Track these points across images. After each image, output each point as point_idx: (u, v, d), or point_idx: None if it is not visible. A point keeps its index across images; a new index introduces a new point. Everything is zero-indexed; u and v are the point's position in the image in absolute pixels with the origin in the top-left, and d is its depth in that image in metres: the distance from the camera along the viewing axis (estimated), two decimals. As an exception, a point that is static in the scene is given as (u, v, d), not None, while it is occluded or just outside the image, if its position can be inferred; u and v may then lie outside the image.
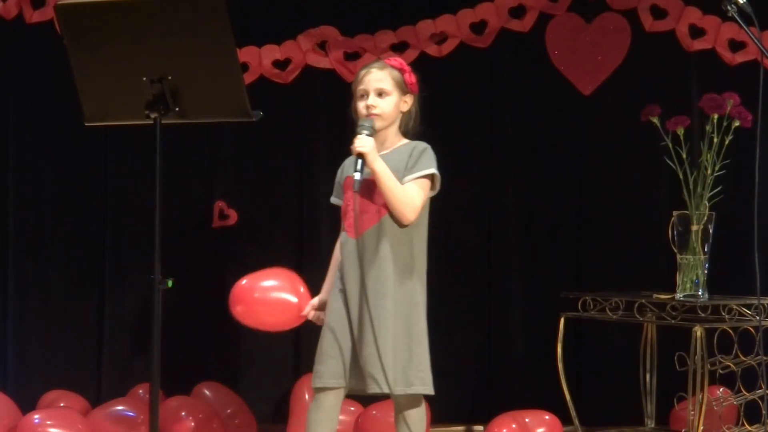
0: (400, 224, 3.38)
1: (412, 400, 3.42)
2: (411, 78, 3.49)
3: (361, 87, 3.43)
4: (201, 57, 3.01)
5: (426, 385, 3.39)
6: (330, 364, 3.38)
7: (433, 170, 3.45)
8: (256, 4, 4.61)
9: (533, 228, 4.74)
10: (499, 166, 4.76)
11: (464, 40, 4.65)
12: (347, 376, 3.36)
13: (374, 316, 3.31)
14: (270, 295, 3.55)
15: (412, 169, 3.40)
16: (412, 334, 3.37)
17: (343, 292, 3.40)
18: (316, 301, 3.52)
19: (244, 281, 3.57)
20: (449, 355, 4.70)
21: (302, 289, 3.54)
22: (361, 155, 3.30)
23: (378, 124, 3.41)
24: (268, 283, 3.57)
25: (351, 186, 3.33)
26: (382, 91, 3.43)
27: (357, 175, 3.27)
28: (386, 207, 3.37)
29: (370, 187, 3.37)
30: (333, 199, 3.58)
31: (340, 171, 3.55)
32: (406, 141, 3.49)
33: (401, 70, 3.48)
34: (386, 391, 3.32)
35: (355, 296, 3.36)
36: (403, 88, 3.47)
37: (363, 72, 3.46)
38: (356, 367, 3.36)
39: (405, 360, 3.35)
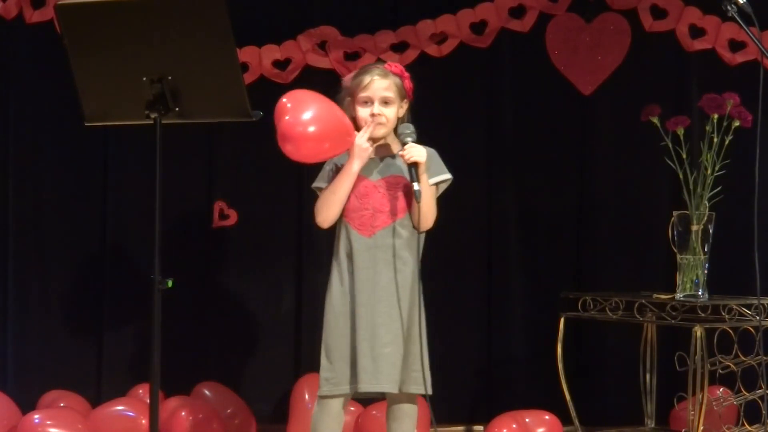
0: (420, 230, 3.44)
1: (411, 400, 3.47)
2: (409, 84, 3.53)
3: (366, 94, 3.45)
4: (201, 57, 3.01)
5: (429, 386, 3.45)
6: (342, 370, 3.39)
7: (450, 176, 3.52)
8: (256, 4, 4.61)
9: (533, 228, 4.74)
10: (499, 166, 4.75)
11: (464, 40, 4.65)
12: (356, 379, 3.37)
13: (389, 315, 3.34)
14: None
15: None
16: (421, 336, 3.41)
17: (349, 291, 3.40)
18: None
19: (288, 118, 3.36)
20: (449, 355, 4.70)
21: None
22: (416, 164, 3.34)
23: (381, 132, 3.47)
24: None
25: (359, 184, 3.39)
26: (387, 100, 3.45)
27: (416, 185, 3.33)
28: (403, 210, 3.43)
29: (387, 188, 3.42)
30: (321, 184, 3.53)
31: (331, 164, 3.52)
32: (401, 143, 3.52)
33: (402, 77, 3.50)
34: (394, 391, 3.37)
35: (366, 295, 3.38)
36: (403, 95, 3.50)
37: (366, 78, 3.46)
38: (358, 368, 3.36)
39: (411, 361, 3.39)
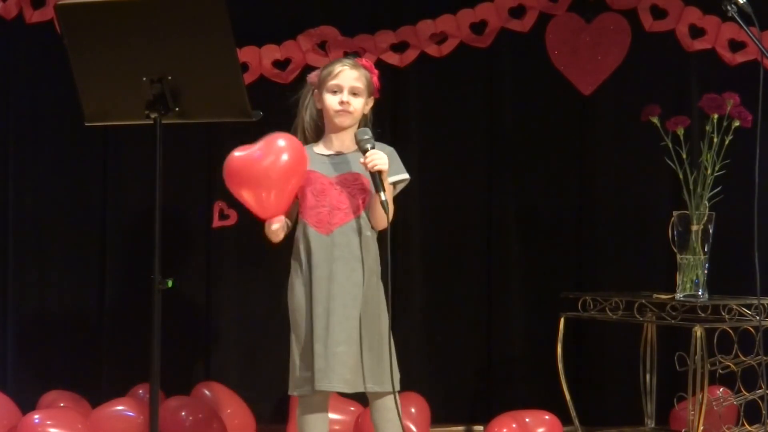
0: (377, 228, 3.44)
1: (382, 395, 3.44)
2: (377, 82, 3.54)
3: (335, 82, 3.46)
4: (201, 57, 3.01)
5: (397, 383, 3.41)
6: (303, 370, 3.40)
7: (407, 176, 3.50)
8: (256, 4, 4.61)
9: (533, 228, 4.74)
10: (499, 166, 4.75)
11: (464, 40, 4.65)
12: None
13: (344, 314, 3.34)
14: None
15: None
16: (382, 334, 3.40)
17: (306, 286, 3.40)
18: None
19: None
20: (449, 355, 4.70)
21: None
22: (380, 172, 3.32)
23: (346, 122, 3.46)
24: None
25: (317, 181, 3.40)
26: (356, 91, 3.46)
27: (382, 195, 3.30)
28: (361, 208, 3.42)
29: (344, 185, 3.42)
30: None
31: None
32: None
33: (371, 72, 3.51)
34: (352, 390, 3.37)
35: (322, 293, 3.37)
36: (371, 91, 3.51)
37: (337, 67, 3.47)
38: (314, 367, 3.36)
39: (377, 359, 3.38)
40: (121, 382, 4.56)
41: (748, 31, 3.22)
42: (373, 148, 3.35)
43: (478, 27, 4.66)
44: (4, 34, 4.66)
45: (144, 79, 3.03)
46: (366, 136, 3.36)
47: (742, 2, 3.18)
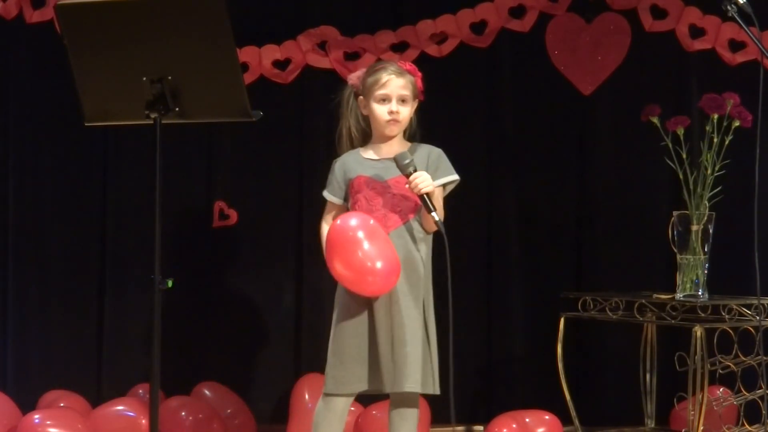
0: (429, 231, 3.47)
1: (413, 403, 3.48)
2: (421, 84, 3.54)
3: (384, 91, 3.45)
4: (201, 57, 3.00)
5: (437, 386, 3.48)
6: (353, 370, 3.38)
7: (456, 176, 3.53)
8: (256, 4, 4.61)
9: (533, 228, 4.74)
10: (499, 166, 4.75)
11: (464, 40, 4.65)
12: (367, 379, 3.38)
13: (408, 315, 3.37)
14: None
15: (433, 176, 3.42)
16: (429, 335, 3.45)
17: None
18: None
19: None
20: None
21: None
22: (428, 194, 3.34)
23: (395, 130, 3.47)
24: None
25: (364, 186, 3.42)
26: (404, 98, 3.47)
27: (435, 216, 3.33)
28: (414, 211, 3.44)
29: (397, 189, 3.44)
30: (330, 196, 3.57)
31: (340, 168, 3.55)
32: (410, 144, 3.53)
33: (415, 76, 3.51)
34: (419, 390, 3.39)
35: (382, 296, 3.37)
36: (416, 94, 3.51)
37: (384, 76, 3.46)
38: (377, 368, 3.36)
39: (426, 360, 3.42)
40: (121, 382, 4.56)
41: (748, 31, 3.22)
42: (415, 170, 3.35)
43: (478, 27, 4.66)
44: (4, 34, 4.66)
45: (144, 79, 3.03)
46: (406, 161, 3.36)
47: (742, 2, 3.18)
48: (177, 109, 3.06)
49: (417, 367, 3.37)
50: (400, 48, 4.65)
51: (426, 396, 4.45)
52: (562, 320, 4.28)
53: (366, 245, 3.26)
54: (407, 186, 3.37)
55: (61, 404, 4.40)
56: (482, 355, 4.75)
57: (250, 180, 4.72)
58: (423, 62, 4.64)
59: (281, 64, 4.66)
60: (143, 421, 4.15)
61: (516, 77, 4.73)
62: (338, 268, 3.32)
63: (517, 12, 4.65)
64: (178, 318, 4.38)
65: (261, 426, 4.54)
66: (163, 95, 3.03)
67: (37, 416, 4.13)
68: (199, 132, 4.59)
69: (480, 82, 4.75)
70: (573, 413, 4.33)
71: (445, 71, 4.68)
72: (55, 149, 4.70)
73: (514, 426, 4.29)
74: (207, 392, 4.49)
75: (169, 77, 3.02)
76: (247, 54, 4.55)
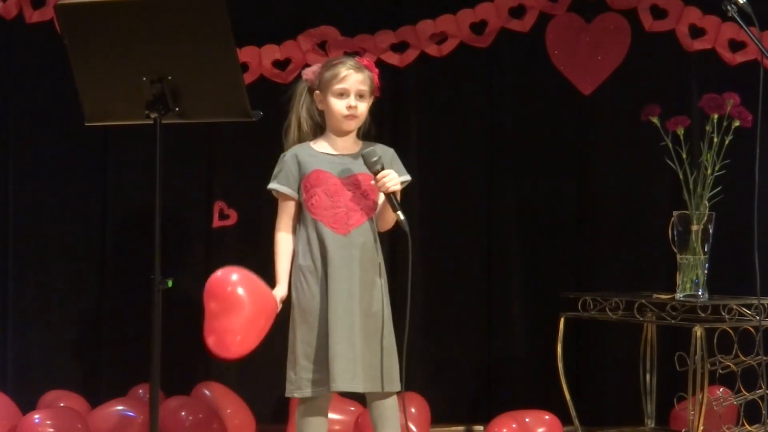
0: (381, 230, 3.48)
1: (389, 395, 3.45)
2: (377, 81, 3.53)
3: (342, 86, 3.44)
4: (201, 57, 3.01)
5: (401, 383, 3.43)
6: (323, 370, 3.37)
7: (408, 177, 3.52)
8: (256, 4, 4.61)
9: (533, 228, 4.74)
10: (499, 166, 4.75)
11: (464, 40, 4.65)
12: (333, 379, 3.36)
13: (367, 313, 3.36)
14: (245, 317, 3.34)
15: None
16: (391, 333, 3.43)
17: (322, 287, 3.39)
18: (279, 295, 3.47)
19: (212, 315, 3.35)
20: (449, 355, 4.70)
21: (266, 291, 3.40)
22: (394, 192, 3.35)
23: (353, 125, 3.47)
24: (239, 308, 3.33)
25: (328, 181, 3.40)
26: (362, 94, 3.46)
27: (401, 214, 3.32)
28: (373, 208, 3.43)
29: (356, 187, 3.42)
30: (283, 188, 3.48)
31: (293, 160, 3.48)
32: (362, 142, 3.53)
33: (373, 72, 3.51)
34: (377, 390, 3.37)
35: (343, 292, 3.36)
36: (372, 90, 3.50)
37: (342, 71, 3.45)
38: (335, 368, 3.35)
39: (391, 359, 3.39)
40: (121, 382, 4.56)
41: (748, 31, 3.22)
42: (383, 169, 3.35)
43: (478, 27, 4.66)
44: (4, 34, 4.66)
45: (144, 79, 3.03)
46: (374, 158, 3.36)
47: (742, 2, 3.18)
48: (177, 109, 3.06)
49: (373, 366, 3.35)
50: (400, 48, 4.65)
51: (426, 396, 4.49)
52: (562, 320, 4.28)
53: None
54: (373, 183, 3.36)
55: (61, 404, 4.40)
56: (482, 355, 4.75)
57: (250, 180, 4.71)
58: (423, 62, 4.65)
59: (281, 64, 4.66)
60: (143, 421, 4.15)
61: (516, 77, 4.73)
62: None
63: (517, 12, 4.65)
64: (178, 318, 4.38)
65: (261, 426, 4.54)
66: (163, 95, 3.03)
67: (37, 416, 4.13)
68: (199, 132, 4.59)
69: (480, 82, 4.75)
70: (573, 413, 4.33)
71: (445, 71, 4.68)
72: (55, 149, 4.70)
73: (514, 426, 4.29)
74: (207, 392, 4.49)
75: (169, 77, 3.03)
76: (247, 54, 4.55)
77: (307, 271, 3.43)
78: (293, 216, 3.49)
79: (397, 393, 3.44)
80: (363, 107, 3.46)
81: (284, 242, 3.50)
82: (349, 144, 3.49)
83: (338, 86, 3.44)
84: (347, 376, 3.33)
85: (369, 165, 3.36)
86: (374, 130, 3.62)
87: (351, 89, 3.44)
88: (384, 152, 3.47)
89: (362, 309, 3.37)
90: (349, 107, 3.43)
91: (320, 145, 3.51)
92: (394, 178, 3.34)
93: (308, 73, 3.55)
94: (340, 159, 3.47)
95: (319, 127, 3.54)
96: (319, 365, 3.37)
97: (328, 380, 3.34)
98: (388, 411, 3.44)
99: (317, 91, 3.50)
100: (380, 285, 3.44)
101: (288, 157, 3.50)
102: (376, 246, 3.45)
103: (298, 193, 3.47)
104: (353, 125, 3.47)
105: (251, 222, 4.71)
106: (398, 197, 3.40)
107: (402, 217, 3.33)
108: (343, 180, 3.44)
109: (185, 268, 4.53)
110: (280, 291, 3.45)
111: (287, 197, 3.49)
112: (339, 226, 3.40)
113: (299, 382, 3.40)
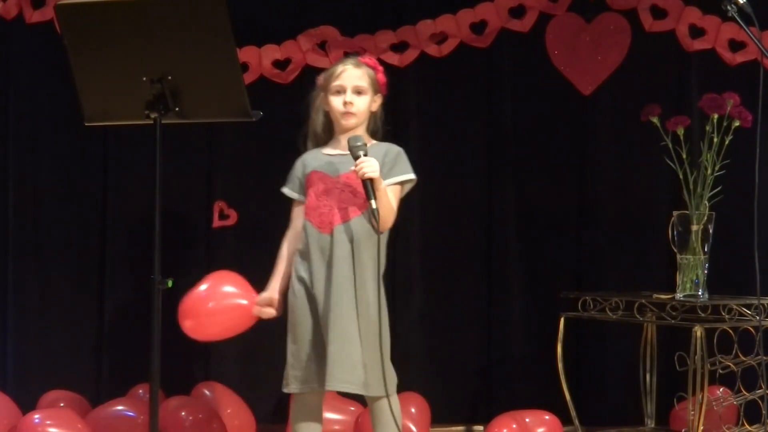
0: (378, 231, 3.38)
1: (381, 397, 3.44)
2: (383, 78, 3.53)
3: (339, 83, 3.45)
4: (201, 57, 3.01)
5: (394, 385, 3.43)
6: (312, 367, 3.39)
7: (412, 175, 3.49)
8: (256, 4, 4.61)
9: (533, 227, 4.74)
10: (499, 166, 4.75)
11: (464, 40, 4.65)
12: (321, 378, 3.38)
13: (338, 313, 3.34)
14: (222, 303, 3.60)
15: (388, 174, 3.42)
16: (382, 335, 3.37)
17: (307, 287, 3.40)
18: (266, 296, 3.52)
19: (189, 295, 3.61)
20: (449, 355, 4.70)
21: (249, 289, 3.59)
22: (371, 179, 3.31)
23: (352, 122, 3.46)
24: (216, 291, 3.63)
25: (320, 182, 3.42)
26: (360, 89, 3.46)
27: (373, 203, 3.28)
28: (362, 207, 3.40)
29: (348, 184, 3.42)
30: (288, 191, 3.58)
31: (300, 164, 3.55)
32: (375, 142, 3.52)
33: (375, 70, 3.51)
34: (354, 391, 3.38)
35: (320, 290, 3.38)
36: (376, 88, 3.50)
37: (339, 68, 3.48)
38: (321, 365, 3.37)
39: (376, 361, 3.35)
40: (121, 382, 4.56)
41: (748, 31, 3.22)
42: (365, 155, 3.33)
43: (478, 27, 4.66)
44: (4, 34, 4.67)
45: (144, 79, 3.03)
46: (358, 143, 3.34)
47: (742, 2, 3.18)
48: (177, 109, 3.07)
49: (355, 367, 3.34)
50: (400, 48, 4.65)
51: (426, 396, 4.49)
52: (562, 320, 4.28)
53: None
54: (351, 169, 3.33)
55: (61, 404, 4.40)
56: (482, 355, 4.75)
57: (250, 180, 4.72)
58: (423, 62, 4.65)
59: (281, 64, 4.66)
60: (143, 421, 4.15)
61: (516, 77, 4.73)
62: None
63: (517, 12, 4.65)
64: (178, 318, 4.38)
65: (261, 426, 4.54)
66: (163, 95, 3.04)
67: (37, 416, 4.13)
68: (199, 132, 4.59)
69: (480, 82, 4.75)
70: (573, 413, 4.33)
71: (445, 71, 4.68)
72: (55, 149, 4.70)
73: (514, 426, 4.29)
74: (207, 392, 4.49)
75: (169, 77, 3.03)
76: (247, 54, 4.55)
77: (296, 270, 3.47)
78: (303, 218, 3.52)
79: (383, 397, 3.41)
80: (361, 103, 3.46)
81: (284, 245, 3.57)
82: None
83: (335, 83, 3.46)
84: (330, 376, 3.34)
85: (351, 149, 3.35)
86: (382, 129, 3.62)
87: (347, 85, 3.45)
88: (389, 149, 3.47)
89: (346, 309, 3.35)
90: (345, 103, 3.43)
91: (329, 147, 3.54)
92: (372, 166, 3.30)
93: (320, 79, 3.58)
94: (338, 158, 3.47)
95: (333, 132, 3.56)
96: (302, 364, 3.41)
97: (311, 380, 3.40)
98: (382, 412, 3.44)
99: (322, 94, 3.51)
100: (372, 285, 3.41)
101: (297, 161, 3.57)
102: (371, 243, 3.40)
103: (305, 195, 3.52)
104: (352, 121, 3.46)
105: (251, 222, 4.71)
106: (376, 189, 3.31)
107: (374, 206, 3.29)
108: (336, 178, 3.44)
109: (185, 268, 4.52)
110: (266, 293, 3.54)
111: (295, 200, 3.56)
112: (324, 225, 3.41)
113: (287, 379, 3.48)
